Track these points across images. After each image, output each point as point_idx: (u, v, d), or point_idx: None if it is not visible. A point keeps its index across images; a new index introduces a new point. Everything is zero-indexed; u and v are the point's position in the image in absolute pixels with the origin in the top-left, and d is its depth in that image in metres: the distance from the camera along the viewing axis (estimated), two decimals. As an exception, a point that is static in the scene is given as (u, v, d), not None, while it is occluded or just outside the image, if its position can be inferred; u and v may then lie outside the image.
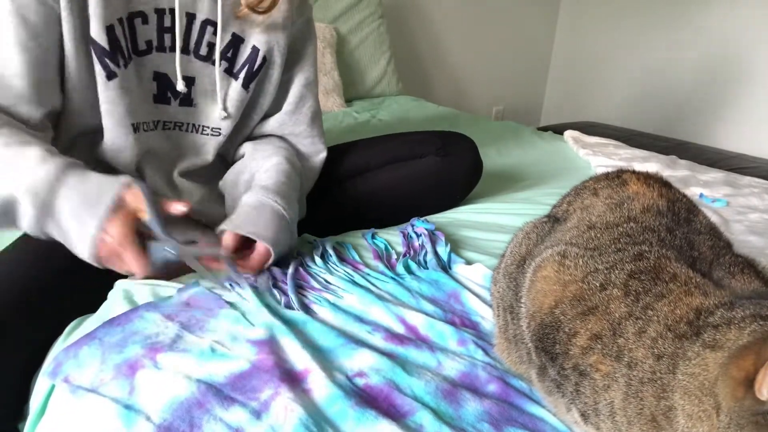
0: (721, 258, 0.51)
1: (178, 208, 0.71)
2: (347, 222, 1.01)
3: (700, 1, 2.60)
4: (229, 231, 0.76)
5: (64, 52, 0.75)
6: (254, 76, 0.89)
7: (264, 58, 0.89)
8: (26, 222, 0.67)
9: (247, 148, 0.95)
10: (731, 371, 0.38)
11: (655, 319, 0.44)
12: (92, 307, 0.73)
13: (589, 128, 2.11)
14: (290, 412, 0.52)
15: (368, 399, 0.56)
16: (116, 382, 0.56)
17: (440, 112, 2.16)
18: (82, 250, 0.67)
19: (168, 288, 0.76)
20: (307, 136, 0.99)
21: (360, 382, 0.58)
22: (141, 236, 0.68)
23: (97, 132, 0.82)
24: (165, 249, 0.68)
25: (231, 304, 0.71)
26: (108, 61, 0.77)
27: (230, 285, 0.76)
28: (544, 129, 2.20)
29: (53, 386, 0.59)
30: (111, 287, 0.77)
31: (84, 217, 0.66)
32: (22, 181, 0.66)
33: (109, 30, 0.76)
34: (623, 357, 0.44)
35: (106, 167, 0.85)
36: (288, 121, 0.97)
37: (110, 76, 0.78)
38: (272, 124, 0.97)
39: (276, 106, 0.97)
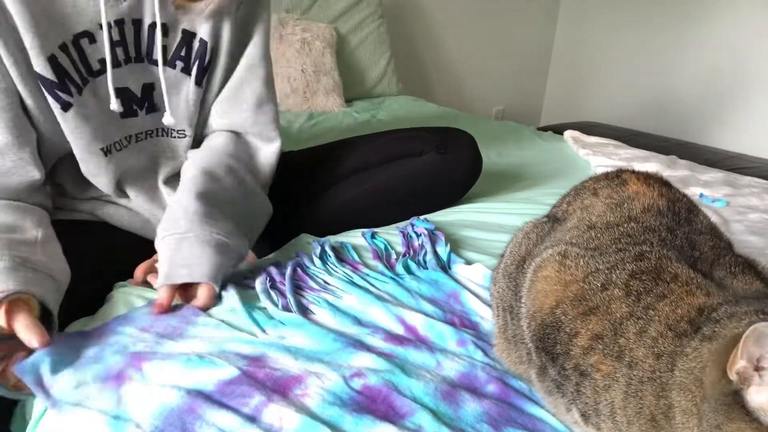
0: (722, 258, 0.51)
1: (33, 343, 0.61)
2: (346, 221, 1.00)
3: (700, 2, 2.60)
4: (163, 286, 0.71)
5: (17, 88, 0.73)
6: (206, 71, 0.86)
7: (212, 50, 0.85)
8: None
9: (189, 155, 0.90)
10: (720, 358, 0.38)
11: (656, 318, 0.44)
12: (90, 309, 0.73)
13: (589, 128, 2.10)
14: (285, 419, 0.51)
15: (366, 400, 0.55)
16: (102, 395, 0.55)
17: (440, 112, 2.16)
18: None
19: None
20: (253, 124, 0.90)
21: (358, 382, 0.57)
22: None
23: (72, 153, 0.81)
24: None
25: (206, 313, 0.70)
26: (59, 92, 0.74)
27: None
28: (544, 129, 2.19)
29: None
30: (110, 290, 0.77)
31: None
32: None
33: (52, 60, 0.73)
34: (624, 357, 0.44)
35: (93, 186, 0.85)
36: (227, 108, 0.90)
37: (65, 107, 0.76)
38: (215, 114, 0.90)
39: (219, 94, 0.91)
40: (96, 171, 0.82)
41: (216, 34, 0.85)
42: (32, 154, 0.76)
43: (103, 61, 0.78)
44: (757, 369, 0.37)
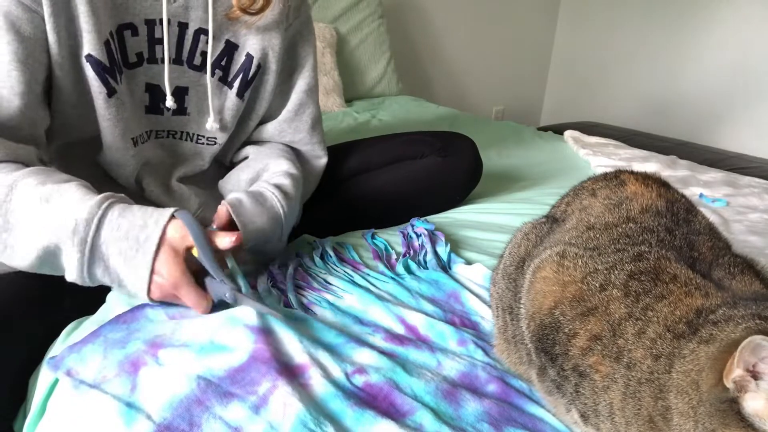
0: (721, 258, 0.51)
1: (225, 241, 0.65)
2: (347, 222, 1.01)
3: (699, 2, 2.60)
4: (227, 207, 0.72)
5: (52, 66, 0.73)
6: (249, 85, 0.87)
7: (258, 65, 0.87)
8: (73, 268, 0.61)
9: (249, 150, 0.94)
10: (716, 364, 0.39)
11: (655, 319, 0.44)
12: (91, 308, 0.73)
13: (589, 128, 2.11)
14: (289, 407, 0.52)
15: (368, 398, 0.56)
16: (119, 379, 0.56)
17: (440, 112, 2.16)
18: (138, 293, 0.63)
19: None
20: (307, 143, 0.96)
21: (360, 379, 0.58)
22: (195, 272, 0.64)
23: (95, 139, 0.81)
24: (223, 293, 0.64)
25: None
26: (108, 77, 0.75)
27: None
28: (544, 129, 2.20)
29: (54, 383, 0.59)
30: (110, 289, 0.77)
31: (132, 258, 0.61)
32: (63, 224, 0.60)
33: (107, 45, 0.74)
34: (623, 358, 0.44)
35: (105, 174, 0.85)
36: (287, 128, 0.94)
37: (111, 93, 0.76)
38: (270, 132, 0.95)
39: (274, 112, 0.94)
40: (122, 161, 0.82)
41: (264, 51, 0.87)
42: (41, 135, 0.76)
43: (140, 55, 0.80)
44: (754, 376, 0.37)
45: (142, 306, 0.68)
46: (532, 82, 3.31)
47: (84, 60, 0.74)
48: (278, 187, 0.81)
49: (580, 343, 0.47)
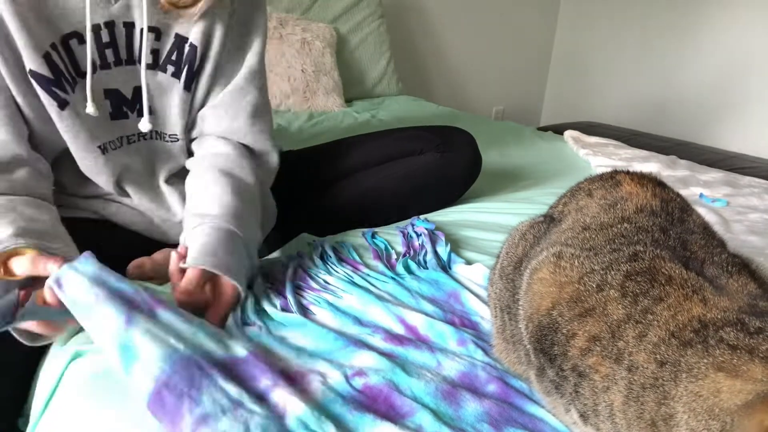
0: (716, 257, 0.51)
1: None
2: (346, 220, 1.00)
3: (699, 2, 2.60)
4: (192, 267, 0.68)
5: (9, 87, 0.72)
6: (194, 76, 0.84)
7: (202, 56, 0.84)
8: None
9: (190, 165, 0.89)
10: (759, 417, 0.36)
11: (656, 323, 0.44)
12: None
13: (589, 128, 2.11)
14: (290, 405, 0.52)
15: (367, 400, 0.56)
16: (112, 303, 0.55)
17: (440, 112, 2.16)
18: None
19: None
20: (247, 133, 0.89)
21: (359, 382, 0.58)
22: None
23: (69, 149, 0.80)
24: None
25: None
26: (56, 90, 0.74)
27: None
28: (544, 129, 2.20)
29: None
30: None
31: None
32: None
33: (47, 58, 0.73)
34: (623, 360, 0.44)
35: (94, 184, 0.85)
36: (224, 114, 0.88)
37: (62, 105, 0.75)
38: (210, 120, 0.89)
39: (213, 98, 0.89)
40: (95, 169, 0.82)
41: (206, 39, 0.84)
42: (28, 149, 0.76)
43: (92, 63, 0.78)
44: None
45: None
46: (532, 82, 3.31)
47: (29, 75, 0.73)
48: (218, 216, 0.77)
49: (579, 343, 0.47)
